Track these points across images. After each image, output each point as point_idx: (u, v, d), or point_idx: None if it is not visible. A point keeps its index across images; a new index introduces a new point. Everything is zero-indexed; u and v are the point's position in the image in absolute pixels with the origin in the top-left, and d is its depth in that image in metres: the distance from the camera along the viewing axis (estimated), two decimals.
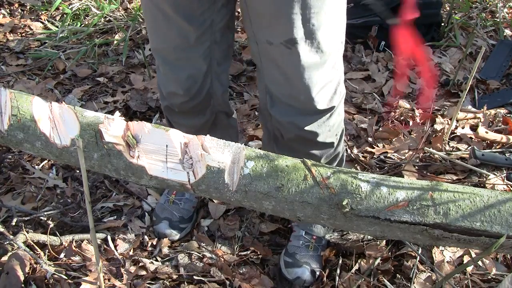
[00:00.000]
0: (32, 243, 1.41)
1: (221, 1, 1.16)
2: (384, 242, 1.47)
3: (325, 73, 1.13)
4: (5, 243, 1.41)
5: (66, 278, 1.33)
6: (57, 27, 2.58)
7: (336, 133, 1.28)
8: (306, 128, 1.19)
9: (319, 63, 1.10)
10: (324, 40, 1.08)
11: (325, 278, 1.40)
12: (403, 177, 1.55)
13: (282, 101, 1.18)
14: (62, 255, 1.43)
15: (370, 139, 1.89)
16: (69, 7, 2.65)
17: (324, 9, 1.04)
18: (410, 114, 1.98)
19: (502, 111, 2.00)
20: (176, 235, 1.52)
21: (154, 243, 1.51)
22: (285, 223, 1.58)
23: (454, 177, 1.66)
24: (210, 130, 1.45)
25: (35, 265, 1.35)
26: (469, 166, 1.66)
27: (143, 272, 1.39)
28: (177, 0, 1.12)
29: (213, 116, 1.41)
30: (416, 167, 1.72)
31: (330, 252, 1.47)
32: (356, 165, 1.76)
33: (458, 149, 1.80)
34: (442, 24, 2.52)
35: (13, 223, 1.49)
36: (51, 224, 1.49)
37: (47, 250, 1.42)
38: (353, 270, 1.40)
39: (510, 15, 2.75)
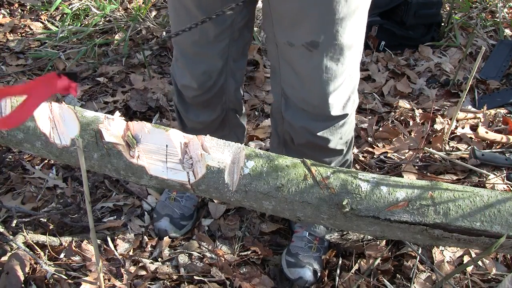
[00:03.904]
0: (32, 243, 1.41)
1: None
2: (384, 242, 1.47)
3: (342, 80, 1.12)
4: (5, 243, 1.41)
5: (66, 278, 1.33)
6: (57, 27, 2.58)
7: (347, 141, 1.28)
8: (318, 133, 1.19)
9: (337, 68, 1.09)
10: (346, 46, 1.07)
11: (325, 278, 1.40)
12: (403, 177, 1.55)
13: (296, 105, 1.18)
14: (62, 255, 1.42)
15: (370, 139, 1.88)
16: (69, 7, 2.65)
17: (349, 16, 1.03)
18: (410, 114, 1.98)
19: (502, 111, 2.00)
20: (176, 232, 1.52)
21: (154, 243, 1.51)
22: (285, 223, 1.58)
23: (454, 177, 1.66)
24: (219, 128, 1.45)
25: (35, 265, 1.35)
26: (469, 166, 1.66)
27: (143, 272, 1.39)
28: None
29: (223, 113, 1.42)
30: (416, 167, 1.72)
31: (331, 254, 1.46)
32: (356, 165, 1.76)
33: (458, 149, 1.80)
34: (442, 24, 2.52)
35: (13, 224, 1.49)
36: (51, 225, 1.49)
37: (47, 250, 1.42)
38: (353, 270, 1.40)
39: (510, 15, 2.75)
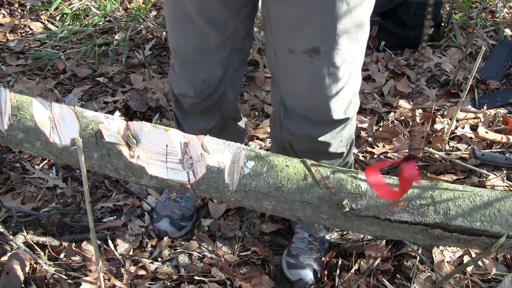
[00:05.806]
0: (32, 243, 1.42)
1: (246, 10, 1.16)
2: (384, 242, 1.47)
3: (343, 84, 1.11)
4: (5, 243, 1.41)
5: (66, 278, 1.33)
6: (57, 27, 2.58)
7: (347, 144, 1.27)
8: (319, 139, 1.18)
9: (339, 73, 1.08)
10: (348, 50, 1.05)
11: (325, 279, 1.40)
12: None
13: (296, 113, 1.17)
14: (62, 255, 1.43)
15: (370, 139, 1.89)
16: (69, 7, 2.65)
17: (351, 19, 1.01)
18: (410, 114, 1.98)
19: (502, 111, 2.00)
20: (176, 233, 1.52)
21: (154, 243, 1.51)
22: (286, 223, 1.58)
23: (454, 177, 1.66)
24: (218, 135, 1.44)
25: (35, 265, 1.35)
26: (469, 166, 1.66)
27: (143, 272, 1.39)
28: (203, 4, 1.12)
29: (222, 121, 1.41)
30: (416, 167, 1.72)
31: (331, 255, 1.46)
32: (356, 165, 1.76)
33: (458, 149, 1.80)
34: (442, 24, 2.52)
35: (13, 224, 1.49)
36: (51, 225, 1.49)
37: (47, 250, 1.42)
38: (352, 270, 1.40)
39: (510, 15, 2.76)
